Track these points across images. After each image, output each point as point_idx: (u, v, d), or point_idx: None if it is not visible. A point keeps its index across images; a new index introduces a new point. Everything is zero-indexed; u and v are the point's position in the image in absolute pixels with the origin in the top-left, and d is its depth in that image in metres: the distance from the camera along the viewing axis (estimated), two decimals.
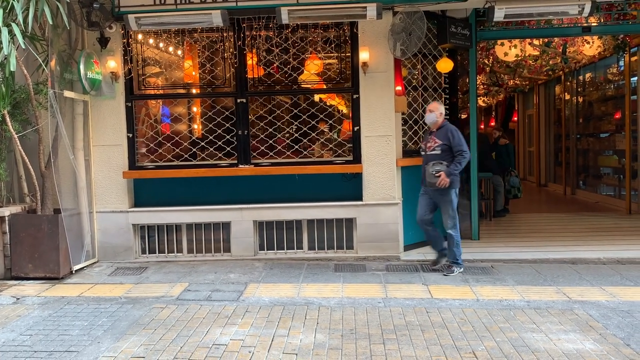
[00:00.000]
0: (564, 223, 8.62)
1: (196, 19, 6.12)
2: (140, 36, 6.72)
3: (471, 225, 7.39)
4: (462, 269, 5.82)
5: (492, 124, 16.80)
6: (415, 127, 6.98)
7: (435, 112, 5.81)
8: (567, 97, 12.50)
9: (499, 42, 8.93)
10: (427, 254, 6.64)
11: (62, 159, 6.30)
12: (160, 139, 6.88)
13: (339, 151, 6.76)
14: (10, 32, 5.28)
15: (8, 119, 5.86)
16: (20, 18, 5.32)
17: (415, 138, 7.00)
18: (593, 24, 7.50)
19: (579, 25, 7.46)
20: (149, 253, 6.76)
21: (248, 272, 6.03)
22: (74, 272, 6.11)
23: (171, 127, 7.12)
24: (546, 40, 9.02)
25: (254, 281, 5.67)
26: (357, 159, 6.57)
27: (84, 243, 6.40)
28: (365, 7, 5.92)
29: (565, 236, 7.55)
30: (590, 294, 5.03)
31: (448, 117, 7.32)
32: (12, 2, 5.33)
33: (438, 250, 6.02)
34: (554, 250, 6.60)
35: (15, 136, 5.90)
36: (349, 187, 6.63)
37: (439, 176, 5.60)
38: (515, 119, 16.59)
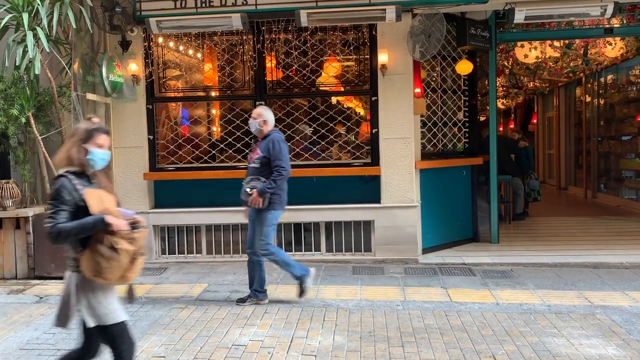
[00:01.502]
0: (585, 227, 8.50)
1: (216, 22, 6.17)
2: (161, 39, 6.80)
3: (490, 228, 7.33)
4: (264, 301, 5.01)
5: (511, 126, 16.63)
6: (434, 130, 6.95)
7: (258, 119, 4.98)
8: (588, 99, 12.33)
9: (519, 44, 8.85)
10: (445, 257, 6.61)
11: None
12: (180, 141, 6.94)
13: (357, 153, 6.76)
14: (35, 36, 5.40)
15: (32, 121, 5.98)
16: (45, 22, 5.44)
17: (434, 140, 6.97)
18: (615, 25, 7.40)
19: (601, 26, 7.35)
20: (168, 254, 6.83)
21: (267, 274, 6.05)
22: None
23: (190, 129, 7.19)
24: (567, 41, 8.92)
25: (272, 282, 5.69)
26: (375, 162, 6.56)
27: None
28: (385, 10, 5.91)
29: (586, 240, 7.44)
30: (612, 299, 4.96)
31: (468, 119, 7.32)
32: (37, 7, 5.44)
33: (296, 278, 5.07)
34: (574, 254, 6.51)
35: (39, 138, 6.02)
36: (367, 190, 6.62)
37: (252, 194, 4.82)
38: (535, 121, 16.42)
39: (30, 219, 6.06)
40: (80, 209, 2.71)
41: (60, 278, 5.95)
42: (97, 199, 2.75)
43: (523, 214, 9.37)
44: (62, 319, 2.78)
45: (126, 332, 2.85)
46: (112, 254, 2.68)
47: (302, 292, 5.05)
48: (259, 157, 4.92)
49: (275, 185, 4.83)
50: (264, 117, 5.00)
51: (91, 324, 2.76)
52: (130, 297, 2.92)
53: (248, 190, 4.85)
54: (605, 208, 10.47)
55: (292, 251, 6.70)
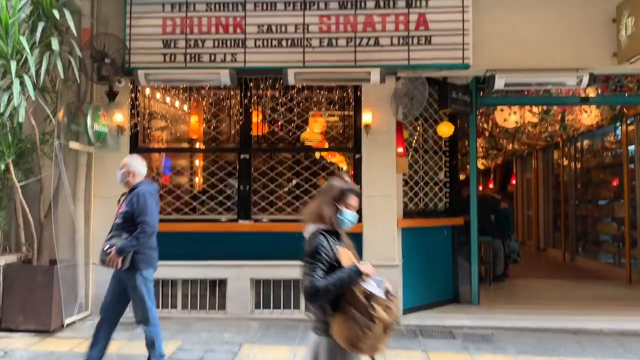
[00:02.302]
0: (565, 290, 8.51)
1: (204, 77, 6.27)
2: (148, 91, 6.86)
3: (471, 289, 7.30)
4: None
5: (490, 186, 16.89)
6: (416, 189, 7.02)
7: (123, 169, 4.56)
8: (566, 162, 12.64)
9: (499, 108, 9.11)
10: (426, 318, 6.53)
11: (62, 209, 6.28)
12: (161, 192, 6.88)
13: None
14: (22, 84, 5.39)
15: (12, 168, 5.89)
16: (32, 71, 5.45)
17: (416, 199, 7.02)
18: (591, 95, 7.67)
19: (578, 95, 7.63)
20: None
21: (243, 332, 5.89)
22: (65, 325, 5.96)
23: (172, 179, 7.14)
24: (545, 108, 9.21)
25: (248, 342, 5.53)
26: (358, 219, 6.53)
27: (77, 295, 6.28)
28: (369, 72, 6.07)
29: (566, 304, 7.42)
30: None
31: (449, 178, 7.40)
32: (25, 55, 5.47)
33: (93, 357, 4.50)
34: (555, 319, 6.47)
35: (18, 185, 5.91)
36: None
37: (110, 252, 4.27)
38: (514, 182, 16.70)
39: (1, 267, 5.86)
40: (333, 269, 2.67)
41: (29, 331, 5.74)
42: (348, 260, 2.72)
43: (503, 276, 9.37)
44: None
45: None
46: (367, 323, 2.58)
47: None
48: (122, 212, 4.43)
49: (137, 242, 4.29)
50: (129, 167, 4.56)
51: None
52: None
53: (105, 248, 4.30)
54: (584, 271, 10.53)
55: (270, 308, 6.56)
